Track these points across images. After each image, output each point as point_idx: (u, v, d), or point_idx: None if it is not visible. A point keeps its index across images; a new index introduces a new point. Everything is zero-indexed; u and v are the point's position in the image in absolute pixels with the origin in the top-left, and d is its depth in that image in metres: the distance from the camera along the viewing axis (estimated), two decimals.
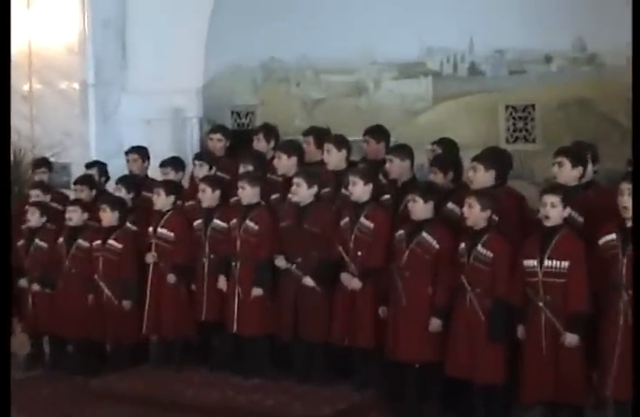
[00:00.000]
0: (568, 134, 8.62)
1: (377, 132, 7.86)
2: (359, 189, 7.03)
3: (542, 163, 8.75)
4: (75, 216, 8.14)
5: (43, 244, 8.31)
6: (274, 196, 7.85)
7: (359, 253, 6.99)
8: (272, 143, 8.37)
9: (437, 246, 6.56)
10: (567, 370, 5.98)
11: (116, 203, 8.11)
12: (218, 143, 8.76)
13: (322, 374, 7.29)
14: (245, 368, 7.55)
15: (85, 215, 8.19)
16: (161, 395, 7.33)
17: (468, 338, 6.32)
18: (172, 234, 7.84)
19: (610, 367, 5.80)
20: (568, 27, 9.02)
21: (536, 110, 9.53)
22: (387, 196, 7.25)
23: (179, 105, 10.63)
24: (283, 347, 7.59)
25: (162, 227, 7.88)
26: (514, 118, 9.63)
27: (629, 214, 5.76)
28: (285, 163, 7.78)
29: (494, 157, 6.86)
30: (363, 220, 6.99)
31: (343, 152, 7.64)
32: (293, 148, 7.90)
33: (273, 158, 7.92)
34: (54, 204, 8.76)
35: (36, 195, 8.70)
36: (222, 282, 7.64)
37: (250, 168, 7.94)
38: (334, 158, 7.62)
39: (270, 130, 8.51)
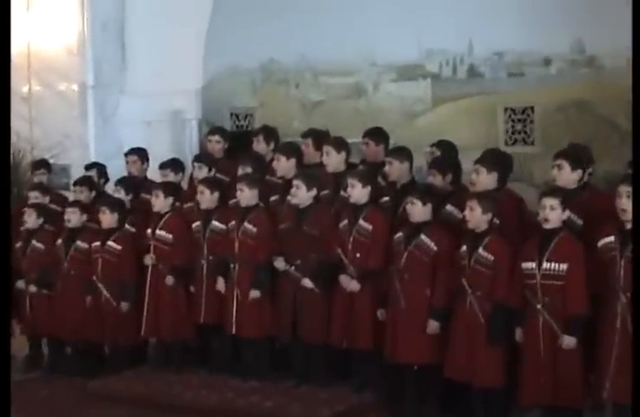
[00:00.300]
0: (567, 136, 8.62)
1: (377, 134, 7.86)
2: (358, 192, 7.03)
3: (541, 166, 8.77)
4: (74, 218, 8.14)
5: (41, 246, 8.31)
6: (273, 198, 7.85)
7: (358, 255, 6.99)
8: (272, 145, 8.36)
9: (436, 248, 6.56)
10: (565, 373, 5.98)
11: (116, 205, 8.11)
12: (217, 145, 8.76)
13: (320, 376, 7.28)
14: (244, 370, 7.55)
15: (84, 217, 8.19)
16: (160, 397, 7.33)
17: (467, 340, 6.31)
18: (171, 235, 7.84)
19: (607, 370, 5.80)
20: (567, 29, 9.03)
21: (535, 113, 9.54)
22: (386, 199, 7.25)
23: (178, 107, 10.64)
24: (281, 348, 7.59)
25: (160, 228, 7.88)
26: (513, 120, 9.63)
27: (627, 216, 5.77)
28: (284, 165, 7.78)
29: (496, 160, 6.86)
30: (361, 222, 6.99)
31: (343, 154, 7.63)
32: (292, 150, 7.90)
33: (272, 160, 7.92)
34: (53, 206, 8.76)
35: (34, 196, 8.69)
36: (220, 284, 7.64)
37: (249, 169, 7.94)
38: (333, 160, 7.62)
39: (270, 132, 8.51)
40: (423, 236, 6.59)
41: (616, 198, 5.88)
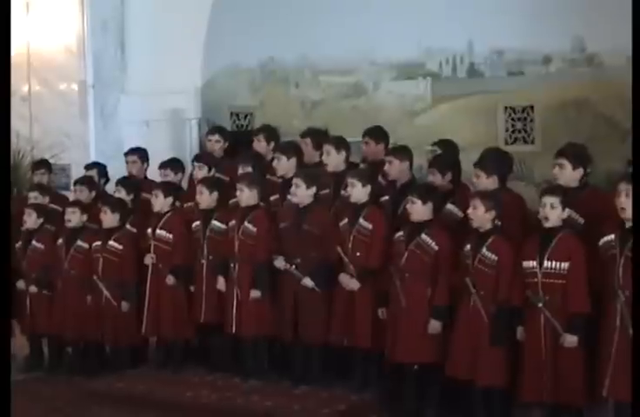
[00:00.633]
0: (567, 135, 8.60)
1: (377, 133, 7.86)
2: (357, 191, 7.03)
3: (541, 164, 8.77)
4: (74, 218, 8.14)
5: (41, 246, 8.30)
6: (273, 198, 7.85)
7: (358, 254, 6.99)
8: (272, 145, 8.36)
9: (436, 247, 6.55)
10: (566, 371, 5.97)
11: (117, 205, 8.11)
12: (217, 144, 8.76)
13: (320, 375, 7.29)
14: (244, 369, 7.55)
15: (84, 217, 8.19)
16: (160, 396, 7.32)
17: (470, 340, 6.30)
18: (171, 235, 7.84)
19: (607, 367, 5.79)
20: (566, 28, 9.03)
21: (535, 111, 9.54)
22: (386, 198, 7.25)
23: (178, 106, 10.63)
24: (281, 348, 7.59)
25: (160, 228, 7.88)
26: (513, 119, 9.63)
27: (627, 214, 5.76)
28: (285, 165, 7.78)
29: (495, 162, 6.82)
30: (361, 221, 6.99)
31: (343, 153, 7.63)
32: (293, 149, 7.90)
33: (273, 159, 7.92)
34: (53, 206, 8.76)
35: (34, 196, 8.69)
36: (221, 284, 7.64)
37: (249, 169, 7.94)
38: (333, 159, 7.62)
39: (270, 131, 8.51)
40: (423, 235, 6.59)
41: (615, 196, 5.87)
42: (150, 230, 7.92)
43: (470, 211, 6.39)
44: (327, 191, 7.58)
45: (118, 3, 10.83)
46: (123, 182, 8.51)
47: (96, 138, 10.70)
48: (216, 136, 8.80)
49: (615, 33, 8.18)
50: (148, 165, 8.99)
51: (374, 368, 7.08)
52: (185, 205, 8.29)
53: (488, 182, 6.69)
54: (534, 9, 9.08)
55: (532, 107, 9.56)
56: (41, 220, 8.35)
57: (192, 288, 7.86)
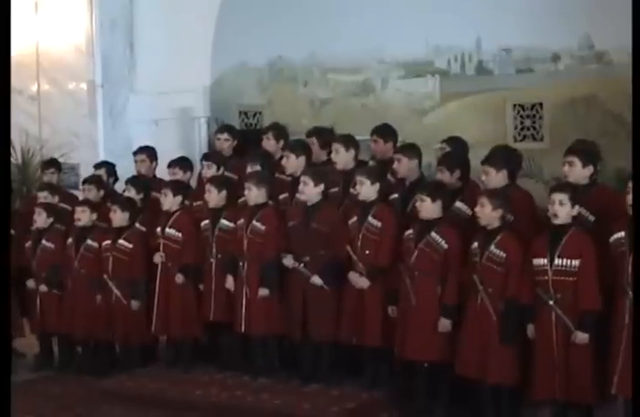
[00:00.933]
0: (576, 132, 8.58)
1: (385, 131, 7.85)
2: (366, 189, 7.02)
3: (550, 162, 8.75)
4: (84, 217, 8.16)
5: (50, 245, 8.31)
6: (282, 196, 7.85)
7: (367, 252, 6.99)
8: (281, 143, 8.36)
9: (446, 246, 6.55)
10: (577, 368, 5.97)
11: (127, 204, 8.13)
12: (225, 143, 8.77)
13: (330, 374, 7.29)
14: (254, 368, 7.55)
15: (94, 216, 8.21)
16: (170, 395, 7.33)
17: (479, 338, 6.30)
18: (180, 234, 7.85)
19: (616, 365, 5.79)
20: (575, 25, 9.00)
21: (543, 109, 9.51)
22: (395, 196, 7.25)
23: (187, 105, 10.64)
24: (291, 346, 7.59)
25: (170, 227, 7.89)
26: (522, 117, 9.60)
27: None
28: (294, 163, 7.78)
29: (503, 157, 6.83)
30: (371, 219, 6.98)
31: (352, 151, 7.63)
32: (301, 147, 7.90)
33: (282, 158, 7.92)
34: (63, 205, 8.78)
35: (44, 196, 8.71)
36: (229, 282, 7.65)
37: (258, 167, 7.95)
38: (342, 157, 7.61)
39: (279, 130, 8.51)
40: (433, 234, 6.58)
41: (625, 194, 5.87)
42: (159, 229, 7.93)
43: (477, 209, 6.40)
44: (336, 189, 7.58)
45: (127, 2, 10.85)
46: (132, 180, 8.52)
47: (105, 137, 10.72)
48: (225, 135, 8.81)
49: (623, 30, 8.14)
50: (157, 164, 9.00)
51: (384, 366, 7.08)
52: (194, 204, 8.29)
53: (498, 178, 6.68)
54: (542, 7, 9.05)
55: (541, 104, 9.52)
56: (51, 219, 8.36)
57: (201, 287, 7.87)
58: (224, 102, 10.81)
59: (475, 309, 6.34)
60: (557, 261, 6.00)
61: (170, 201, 7.95)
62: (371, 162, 7.79)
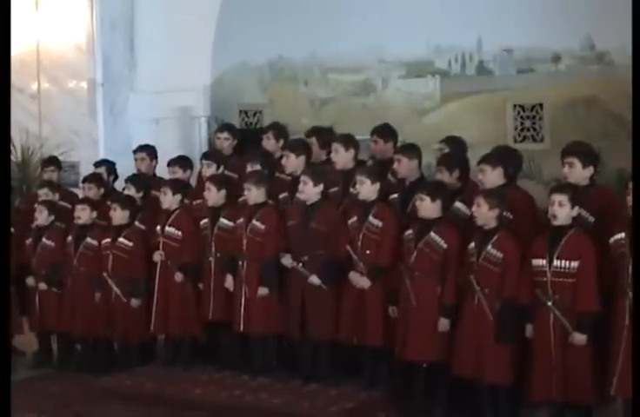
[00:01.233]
0: (576, 133, 8.60)
1: (385, 131, 7.86)
2: (367, 188, 7.02)
3: (550, 162, 8.73)
4: (84, 215, 8.16)
5: (51, 243, 8.31)
6: (282, 195, 7.85)
7: (368, 251, 6.99)
8: (281, 142, 8.37)
9: (445, 246, 6.55)
10: (575, 369, 5.97)
11: (127, 202, 8.13)
12: (225, 142, 8.77)
13: (329, 373, 7.29)
14: (253, 367, 7.55)
15: (94, 214, 8.21)
16: (169, 394, 7.34)
17: (476, 338, 6.30)
18: (179, 232, 7.86)
19: (615, 366, 5.79)
20: (576, 25, 9.00)
21: (544, 109, 9.51)
22: (395, 195, 7.25)
23: (187, 104, 10.65)
24: (290, 345, 7.59)
25: (169, 225, 7.89)
26: (522, 117, 9.61)
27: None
28: (293, 162, 7.78)
29: (499, 156, 6.84)
30: (371, 219, 6.98)
31: (351, 151, 7.63)
32: (301, 147, 7.90)
33: (281, 157, 7.92)
34: (63, 203, 8.78)
35: (44, 193, 8.72)
36: (229, 281, 7.65)
37: (258, 167, 7.95)
38: (342, 157, 7.62)
39: (279, 129, 8.52)
40: (432, 234, 6.58)
41: (626, 195, 5.87)
42: (158, 227, 7.94)
43: (474, 209, 6.40)
44: (335, 189, 7.58)
45: (128, 0, 10.85)
46: (132, 179, 8.53)
47: (106, 136, 10.72)
48: (225, 134, 8.81)
49: (624, 31, 8.14)
50: (157, 162, 9.00)
51: (383, 366, 7.08)
52: (194, 202, 8.29)
53: (494, 176, 6.67)
54: (543, 7, 9.05)
55: (541, 105, 9.52)
56: (52, 217, 8.36)
57: (200, 286, 7.87)
58: (225, 102, 10.81)
59: (472, 309, 6.34)
60: (556, 263, 6.00)
61: (169, 200, 7.96)
62: (369, 162, 7.79)
